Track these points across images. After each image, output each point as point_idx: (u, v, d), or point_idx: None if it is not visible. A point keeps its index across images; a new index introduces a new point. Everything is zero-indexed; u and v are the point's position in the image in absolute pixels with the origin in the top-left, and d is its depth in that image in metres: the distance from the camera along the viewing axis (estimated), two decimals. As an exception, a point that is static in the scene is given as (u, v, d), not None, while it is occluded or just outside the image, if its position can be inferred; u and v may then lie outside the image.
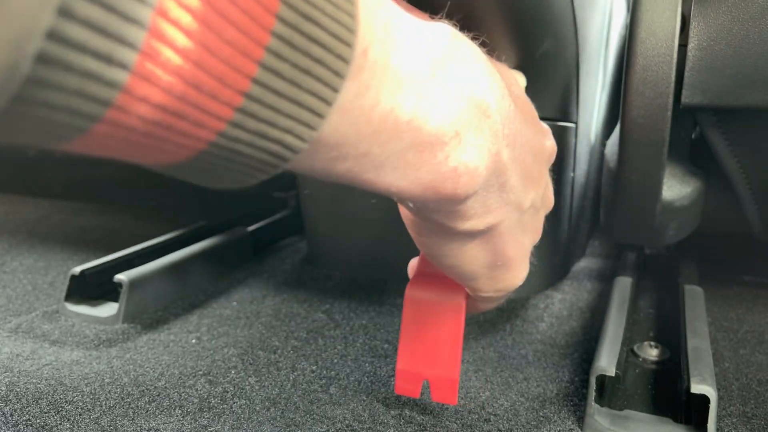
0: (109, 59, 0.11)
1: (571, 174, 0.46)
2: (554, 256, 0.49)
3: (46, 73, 0.11)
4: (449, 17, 0.31)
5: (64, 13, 0.10)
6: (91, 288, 0.46)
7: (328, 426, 0.32)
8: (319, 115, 0.15)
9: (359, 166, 0.18)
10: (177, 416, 0.32)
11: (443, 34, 0.19)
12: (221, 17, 0.13)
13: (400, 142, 0.18)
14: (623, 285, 0.44)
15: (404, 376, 0.32)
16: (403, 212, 0.26)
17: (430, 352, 0.31)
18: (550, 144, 0.28)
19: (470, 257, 0.26)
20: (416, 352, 0.32)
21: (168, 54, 0.12)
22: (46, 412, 0.33)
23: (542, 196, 0.28)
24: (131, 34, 0.11)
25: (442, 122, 0.19)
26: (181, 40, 0.12)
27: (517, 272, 0.29)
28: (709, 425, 0.30)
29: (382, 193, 0.19)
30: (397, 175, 0.18)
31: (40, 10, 0.10)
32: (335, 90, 0.15)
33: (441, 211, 0.22)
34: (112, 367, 0.37)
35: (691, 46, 0.36)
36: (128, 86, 0.12)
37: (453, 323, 0.31)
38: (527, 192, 0.25)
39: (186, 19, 0.12)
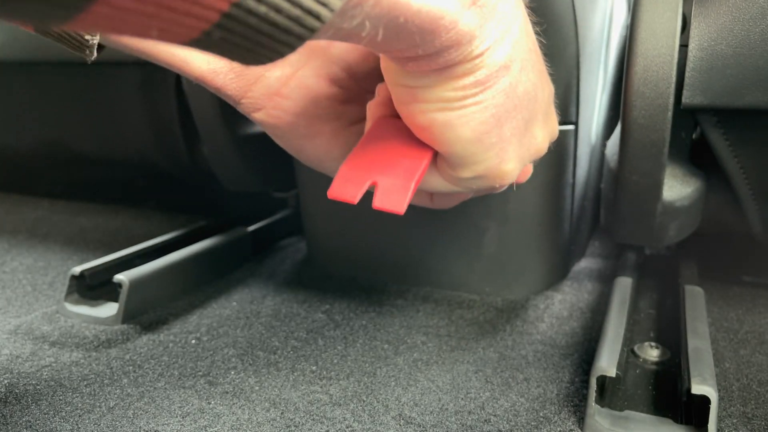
0: None
1: (571, 174, 0.46)
2: (554, 256, 0.49)
3: None
4: None
5: None
6: (91, 288, 0.46)
7: (327, 426, 0.32)
8: None
9: None
10: (176, 417, 0.32)
11: None
12: None
13: None
14: (623, 285, 0.44)
15: (346, 176, 0.25)
16: (394, 75, 0.24)
17: (386, 161, 0.26)
18: (551, 87, 0.29)
19: (467, 124, 0.24)
20: (368, 157, 0.26)
21: None
22: (45, 414, 0.33)
23: (549, 101, 0.27)
24: None
25: None
26: None
27: (505, 165, 0.26)
28: (709, 426, 0.30)
29: (408, 22, 0.19)
30: None
31: None
32: None
33: (456, 41, 0.21)
34: (111, 368, 0.37)
35: (691, 46, 0.36)
36: None
37: (421, 145, 0.26)
38: (538, 58, 0.25)
39: None
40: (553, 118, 0.30)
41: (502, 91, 0.24)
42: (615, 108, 0.51)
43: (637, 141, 0.37)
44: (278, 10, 0.15)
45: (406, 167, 0.25)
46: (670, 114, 0.36)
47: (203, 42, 0.16)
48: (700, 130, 0.42)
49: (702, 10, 0.36)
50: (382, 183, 0.25)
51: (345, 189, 0.25)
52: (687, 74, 0.36)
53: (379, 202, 0.25)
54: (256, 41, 0.16)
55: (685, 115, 0.39)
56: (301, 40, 0.17)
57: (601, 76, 0.46)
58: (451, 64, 0.22)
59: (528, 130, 0.27)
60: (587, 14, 0.37)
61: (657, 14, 0.35)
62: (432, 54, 0.21)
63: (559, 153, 0.43)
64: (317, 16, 0.16)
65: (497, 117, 0.24)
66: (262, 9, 0.15)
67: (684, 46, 0.36)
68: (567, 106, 0.41)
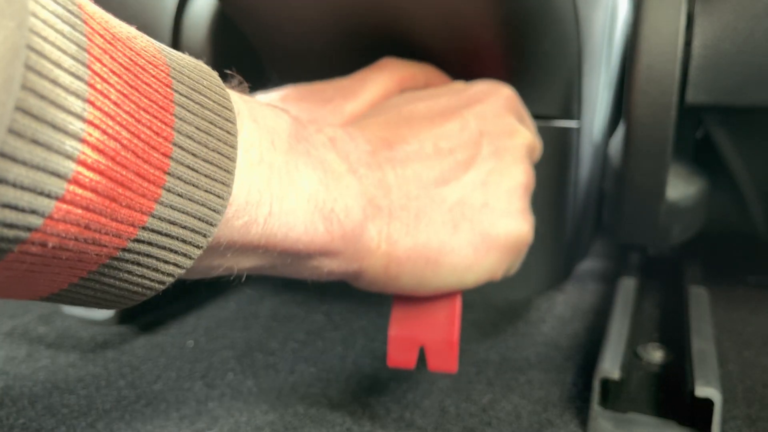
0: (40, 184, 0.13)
1: (574, 172, 0.45)
2: (557, 256, 0.48)
3: None
4: (450, 15, 0.31)
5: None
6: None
7: (327, 429, 0.31)
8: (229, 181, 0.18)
9: (268, 228, 0.20)
10: (174, 420, 0.32)
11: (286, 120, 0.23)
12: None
13: (292, 197, 0.21)
14: (627, 286, 0.44)
15: (397, 343, 0.29)
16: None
17: (426, 316, 0.29)
18: (468, 92, 0.29)
19: (433, 278, 0.27)
20: (410, 316, 0.29)
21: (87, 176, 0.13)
22: (41, 416, 0.32)
23: (494, 151, 0.28)
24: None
25: (313, 179, 0.22)
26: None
27: (499, 257, 0.28)
28: (713, 428, 0.29)
29: (294, 253, 0.22)
30: (300, 229, 0.21)
31: None
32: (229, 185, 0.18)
33: (349, 258, 0.25)
34: (107, 370, 0.37)
35: (696, 44, 0.36)
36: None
37: None
38: (433, 188, 0.27)
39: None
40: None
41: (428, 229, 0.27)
42: (618, 106, 0.51)
43: (640, 140, 0.36)
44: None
45: (444, 320, 0.29)
46: (674, 112, 0.35)
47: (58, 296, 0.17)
48: (704, 128, 0.41)
49: (706, 7, 0.35)
50: (430, 346, 0.28)
51: (401, 357, 0.28)
52: (691, 72, 0.36)
53: (433, 366, 0.28)
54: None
55: (689, 114, 0.39)
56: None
57: (603, 74, 0.46)
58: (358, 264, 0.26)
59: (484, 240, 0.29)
60: (589, 10, 0.37)
61: (661, 11, 0.35)
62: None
63: (561, 151, 0.42)
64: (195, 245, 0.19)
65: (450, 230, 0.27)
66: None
67: (688, 43, 0.36)
68: (569, 104, 0.41)
